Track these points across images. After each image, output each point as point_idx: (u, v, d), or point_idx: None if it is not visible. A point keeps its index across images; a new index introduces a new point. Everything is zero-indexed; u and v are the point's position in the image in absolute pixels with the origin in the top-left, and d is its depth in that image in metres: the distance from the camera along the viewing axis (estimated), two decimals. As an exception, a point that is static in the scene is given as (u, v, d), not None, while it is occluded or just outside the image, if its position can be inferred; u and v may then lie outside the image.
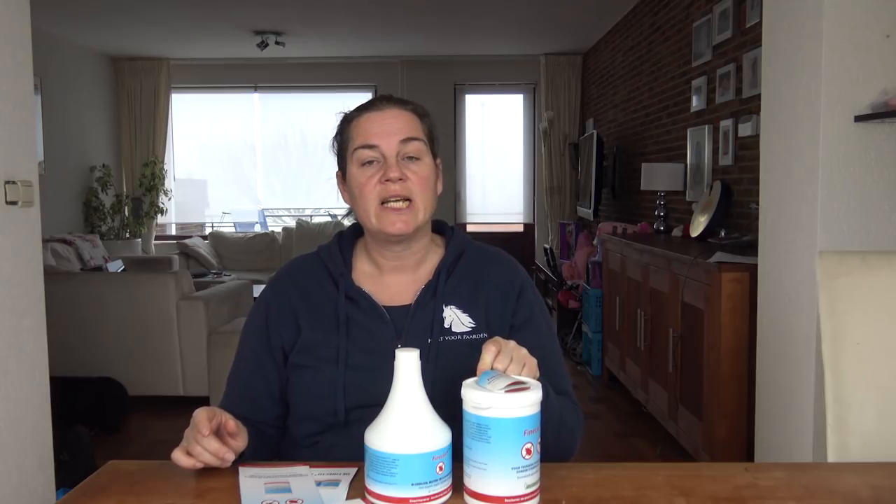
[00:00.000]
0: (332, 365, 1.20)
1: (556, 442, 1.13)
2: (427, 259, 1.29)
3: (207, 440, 1.01)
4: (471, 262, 1.29)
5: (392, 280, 1.27)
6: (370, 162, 1.20)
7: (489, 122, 8.28)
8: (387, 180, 1.18)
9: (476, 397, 0.92)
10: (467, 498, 0.94)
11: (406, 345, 1.19)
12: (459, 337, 1.22)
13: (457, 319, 1.23)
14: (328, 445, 1.20)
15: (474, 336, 1.22)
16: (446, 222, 1.35)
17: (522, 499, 0.92)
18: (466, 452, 0.94)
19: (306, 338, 1.23)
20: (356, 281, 1.26)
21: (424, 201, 1.21)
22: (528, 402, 0.92)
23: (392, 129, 1.20)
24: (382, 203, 1.19)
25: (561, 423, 1.15)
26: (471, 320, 1.24)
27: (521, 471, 0.91)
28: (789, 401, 2.19)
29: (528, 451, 0.92)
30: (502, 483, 0.91)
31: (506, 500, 0.91)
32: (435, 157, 1.26)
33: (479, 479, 0.92)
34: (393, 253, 1.26)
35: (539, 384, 0.96)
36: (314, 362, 1.22)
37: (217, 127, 8.21)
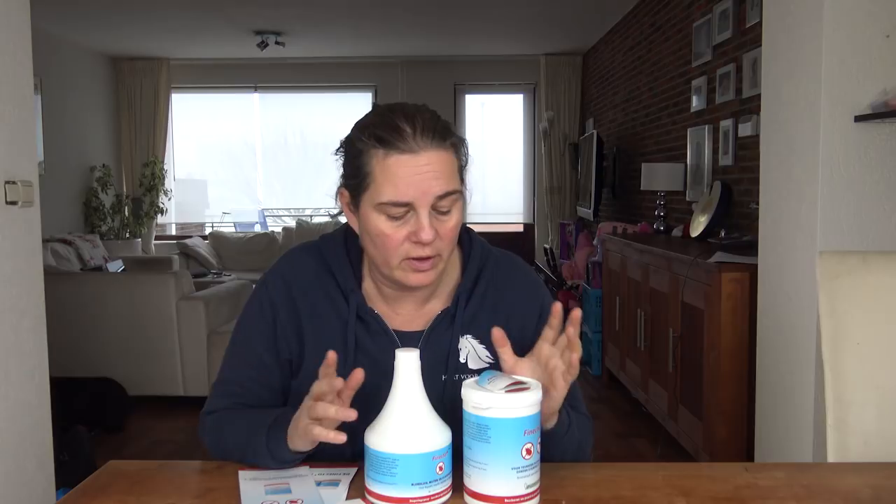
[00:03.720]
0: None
1: (573, 460, 1.12)
2: (444, 278, 1.17)
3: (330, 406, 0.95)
4: (490, 284, 1.19)
5: (406, 301, 1.17)
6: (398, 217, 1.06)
7: (489, 123, 8.27)
8: (416, 241, 1.06)
9: (476, 397, 0.92)
10: (467, 498, 0.94)
11: None
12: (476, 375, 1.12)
13: (473, 352, 1.15)
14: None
15: None
16: (463, 224, 1.20)
17: (522, 499, 0.92)
18: (466, 452, 0.94)
19: (309, 367, 1.14)
20: (366, 296, 1.17)
21: (450, 251, 1.11)
22: (528, 402, 0.92)
23: (428, 183, 1.04)
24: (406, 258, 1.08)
25: (580, 447, 1.13)
26: (488, 354, 1.16)
27: (521, 471, 0.91)
28: (789, 401, 2.19)
29: (528, 451, 0.92)
30: (502, 483, 0.91)
31: (506, 500, 0.91)
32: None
33: (479, 479, 0.92)
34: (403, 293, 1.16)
35: (539, 384, 0.96)
36: None
37: (217, 127, 8.21)
